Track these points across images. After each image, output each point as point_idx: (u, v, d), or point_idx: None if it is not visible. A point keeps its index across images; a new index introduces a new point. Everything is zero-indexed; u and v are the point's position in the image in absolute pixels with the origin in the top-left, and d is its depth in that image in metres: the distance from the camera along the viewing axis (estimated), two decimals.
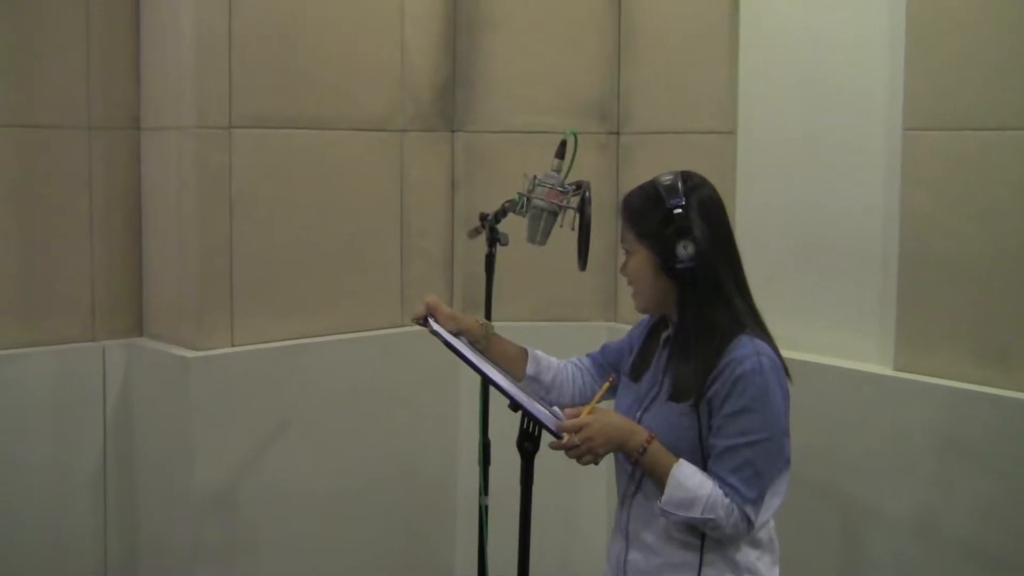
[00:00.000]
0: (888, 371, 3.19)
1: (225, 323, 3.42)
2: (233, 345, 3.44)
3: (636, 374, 2.33)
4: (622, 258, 2.31)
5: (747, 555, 2.18)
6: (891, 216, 3.21)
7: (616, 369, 2.49)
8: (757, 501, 2.11)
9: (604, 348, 2.58)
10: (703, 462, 2.14)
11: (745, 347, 2.13)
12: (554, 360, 2.60)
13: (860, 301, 3.32)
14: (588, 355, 2.59)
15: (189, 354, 3.35)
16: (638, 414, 2.26)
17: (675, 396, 2.19)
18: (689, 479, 2.10)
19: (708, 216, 2.21)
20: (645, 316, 2.40)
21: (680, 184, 2.21)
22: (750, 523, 2.11)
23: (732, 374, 2.12)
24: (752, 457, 2.10)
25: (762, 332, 2.20)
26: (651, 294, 2.26)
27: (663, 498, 2.12)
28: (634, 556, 2.25)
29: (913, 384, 3.10)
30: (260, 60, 3.43)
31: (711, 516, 2.07)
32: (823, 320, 3.41)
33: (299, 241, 3.57)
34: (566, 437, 2.15)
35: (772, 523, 2.24)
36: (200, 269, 3.37)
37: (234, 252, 3.42)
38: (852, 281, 3.34)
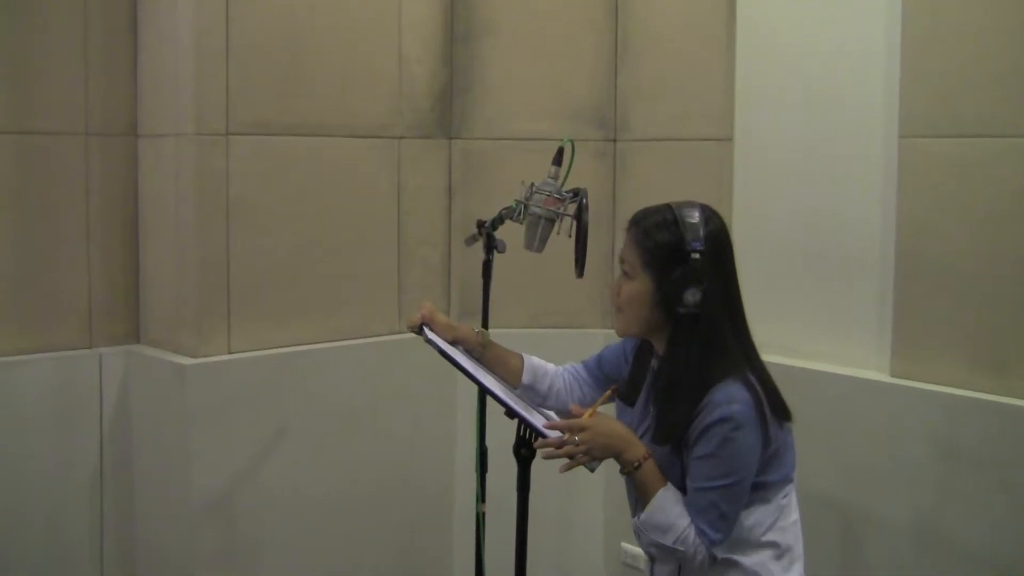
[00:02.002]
0: (885, 378, 3.19)
1: (222, 330, 3.42)
2: (230, 352, 3.43)
3: (628, 399, 2.33)
4: (617, 273, 2.28)
5: None
6: (887, 223, 3.21)
7: (613, 380, 2.49)
8: (721, 542, 2.15)
9: (600, 359, 2.57)
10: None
11: (721, 394, 2.12)
12: (550, 367, 2.60)
13: (856, 308, 3.32)
14: (584, 364, 2.59)
15: (186, 361, 3.35)
16: None
17: (658, 439, 2.20)
18: (672, 506, 2.13)
19: (721, 262, 2.19)
20: None
21: (702, 225, 2.16)
22: (715, 560, 2.15)
23: (702, 422, 2.12)
24: (717, 500, 2.12)
25: (752, 370, 2.18)
26: (640, 324, 2.24)
27: (643, 515, 2.14)
28: None
29: (910, 391, 3.10)
30: (258, 67, 3.43)
31: (681, 548, 2.13)
32: (819, 327, 3.41)
33: (296, 248, 3.57)
34: (567, 435, 2.16)
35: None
36: (198, 276, 3.37)
37: (231, 259, 3.42)
38: (848, 288, 3.34)
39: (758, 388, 2.16)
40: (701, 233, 2.15)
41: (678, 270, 2.14)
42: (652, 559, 2.33)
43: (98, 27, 3.44)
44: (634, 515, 2.27)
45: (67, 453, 3.43)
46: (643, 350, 2.38)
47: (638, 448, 2.17)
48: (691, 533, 2.11)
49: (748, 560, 2.19)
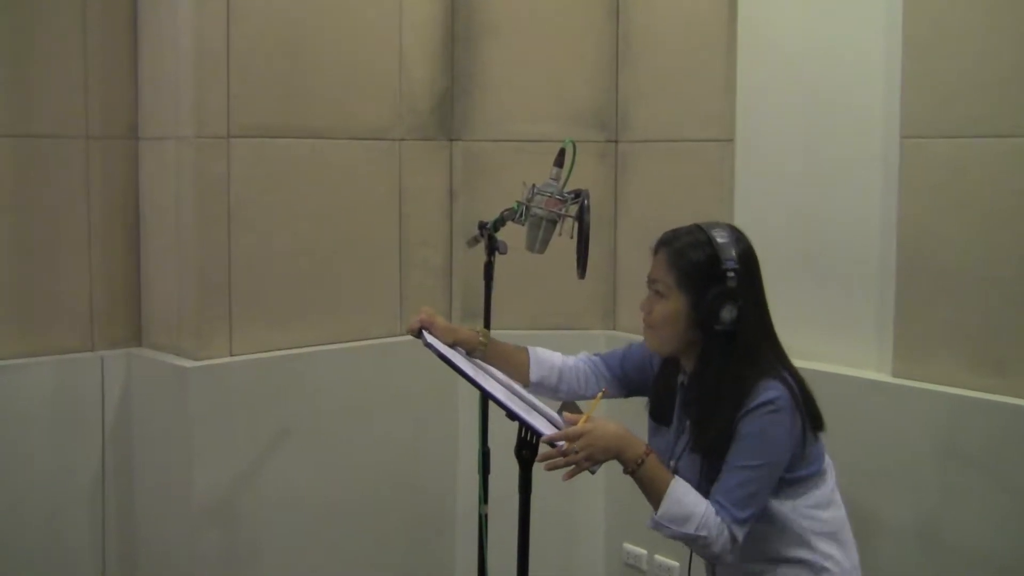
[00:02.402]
0: (886, 378, 3.19)
1: (224, 332, 3.42)
2: (232, 355, 3.43)
3: (659, 417, 2.33)
4: (647, 295, 2.30)
5: None
6: (889, 224, 3.21)
7: (635, 381, 2.49)
8: (746, 522, 2.14)
9: (624, 357, 2.55)
10: None
11: (760, 387, 2.16)
12: (558, 358, 2.58)
13: (858, 308, 3.32)
14: (603, 358, 2.57)
15: (188, 364, 3.35)
16: (672, 463, 2.28)
17: (699, 449, 2.21)
18: (686, 496, 2.14)
19: (753, 279, 2.24)
20: None
21: (734, 244, 2.22)
22: (735, 542, 2.13)
23: (745, 410, 2.16)
24: (747, 479, 2.14)
25: (789, 374, 2.23)
26: (675, 342, 2.28)
27: (659, 512, 2.14)
28: None
29: (911, 391, 3.10)
30: (259, 70, 3.43)
31: (704, 533, 2.11)
32: (821, 327, 3.41)
33: (297, 250, 3.57)
34: (565, 444, 2.16)
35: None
36: (199, 278, 3.37)
37: (232, 261, 3.42)
38: (850, 288, 3.34)
39: (794, 386, 2.21)
40: (734, 252, 2.21)
41: (714, 289, 2.18)
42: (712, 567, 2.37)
43: (98, 30, 3.44)
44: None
45: (69, 456, 3.43)
46: (667, 368, 2.39)
47: (637, 445, 2.17)
48: (711, 515, 2.11)
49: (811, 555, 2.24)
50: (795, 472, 2.22)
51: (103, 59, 3.46)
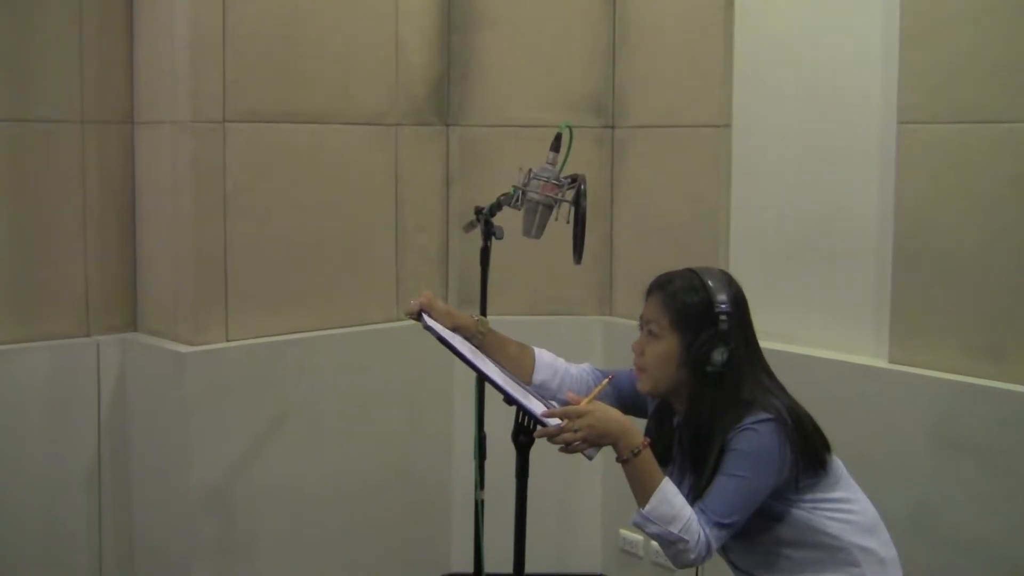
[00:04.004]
0: (883, 363, 3.20)
1: (220, 318, 3.41)
2: (228, 340, 3.43)
3: (660, 459, 2.35)
4: (640, 337, 2.33)
5: None
6: (886, 209, 3.21)
7: (634, 405, 2.50)
8: (723, 529, 2.16)
9: (625, 378, 2.54)
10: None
11: (748, 419, 2.20)
12: (561, 363, 2.59)
13: (855, 294, 3.32)
14: (606, 375, 2.57)
15: (184, 349, 3.35)
16: None
17: (701, 492, 2.23)
18: (675, 497, 2.15)
19: (743, 323, 2.29)
20: None
21: (726, 288, 2.27)
22: (710, 551, 2.15)
23: (731, 434, 2.20)
24: (729, 487, 2.17)
25: (781, 404, 2.24)
26: (666, 383, 2.32)
27: (647, 507, 2.15)
28: None
29: (908, 376, 3.11)
30: (255, 54, 3.42)
31: (685, 537, 2.12)
32: (818, 313, 3.41)
33: (293, 236, 3.56)
34: (566, 421, 2.17)
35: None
36: (195, 264, 3.36)
37: (229, 247, 3.41)
38: (847, 274, 3.34)
39: (788, 419, 2.22)
40: (726, 296, 2.26)
41: (707, 331, 2.24)
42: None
43: (94, 14, 3.43)
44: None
45: (65, 442, 3.43)
46: (662, 408, 2.41)
47: (636, 435, 2.17)
48: (693, 521, 2.13)
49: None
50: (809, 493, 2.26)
51: (99, 44, 3.45)
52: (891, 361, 3.18)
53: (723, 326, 2.23)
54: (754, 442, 2.17)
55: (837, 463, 2.35)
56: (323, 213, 3.63)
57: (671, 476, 2.31)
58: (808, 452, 2.25)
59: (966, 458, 2.98)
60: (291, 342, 3.55)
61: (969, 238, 3.00)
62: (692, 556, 2.14)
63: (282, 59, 3.49)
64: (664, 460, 2.35)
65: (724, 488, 2.17)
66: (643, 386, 2.35)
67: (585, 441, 2.16)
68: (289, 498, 3.56)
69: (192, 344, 3.36)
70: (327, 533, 3.67)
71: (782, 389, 2.31)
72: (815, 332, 3.38)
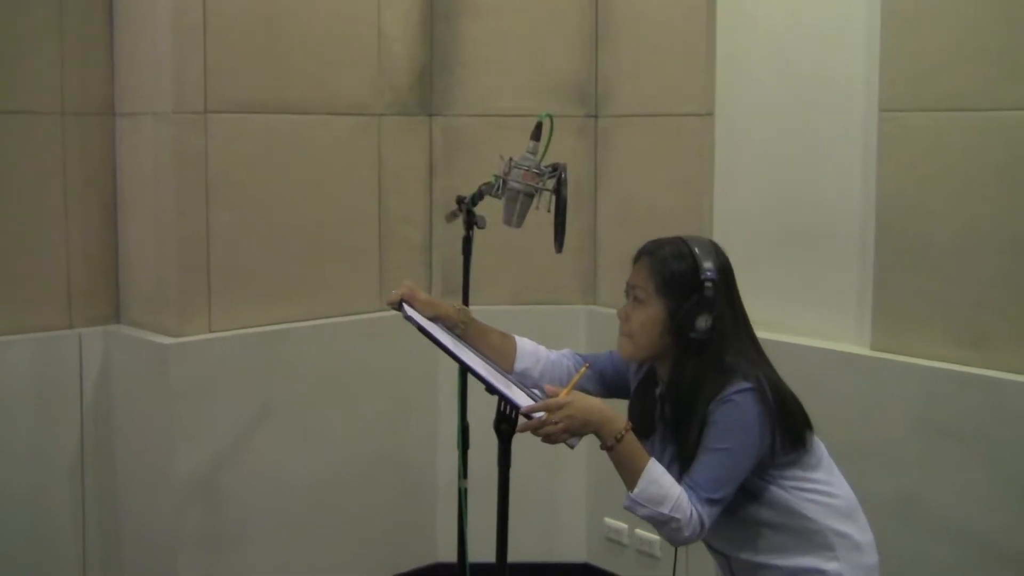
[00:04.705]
0: (866, 351, 3.21)
1: (203, 309, 3.40)
2: (211, 331, 3.42)
3: (642, 430, 2.35)
4: (625, 302, 2.33)
5: None
6: (868, 197, 3.21)
7: (620, 382, 2.50)
8: (714, 505, 2.17)
9: (607, 361, 2.54)
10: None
11: (729, 389, 2.20)
12: (542, 350, 2.59)
13: (837, 281, 3.33)
14: (586, 360, 2.57)
15: (167, 341, 3.34)
16: None
17: (684, 456, 2.24)
18: (662, 477, 2.16)
19: (729, 291, 2.30)
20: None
21: (713, 257, 2.28)
22: (703, 527, 2.15)
23: (713, 404, 2.21)
24: (714, 462, 2.18)
25: (764, 375, 2.24)
26: (650, 348, 2.32)
27: (635, 490, 2.15)
28: None
29: (890, 364, 3.12)
30: (236, 44, 3.41)
31: (677, 515, 2.13)
32: (801, 301, 3.41)
33: (277, 226, 3.55)
34: (546, 414, 2.17)
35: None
36: (178, 255, 3.35)
37: (211, 237, 3.40)
38: (829, 262, 3.35)
39: (765, 385, 2.22)
40: (713, 264, 2.26)
41: (692, 298, 2.24)
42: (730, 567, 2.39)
43: (75, 5, 3.41)
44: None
45: (48, 434, 3.42)
46: (645, 381, 2.41)
47: (618, 421, 2.17)
48: (683, 498, 2.13)
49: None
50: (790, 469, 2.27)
51: (79, 34, 3.43)
52: (874, 348, 3.19)
53: (708, 293, 2.23)
54: (736, 414, 2.18)
55: (819, 445, 2.35)
56: (306, 203, 3.62)
57: (654, 445, 2.31)
58: (788, 426, 2.25)
59: (949, 445, 2.99)
60: (275, 333, 3.54)
61: (951, 225, 3.01)
62: (687, 533, 2.14)
63: (264, 49, 3.47)
64: (648, 431, 2.36)
65: (709, 462, 2.17)
66: (624, 351, 2.35)
67: (567, 432, 2.16)
68: (274, 488, 3.55)
69: (175, 335, 3.35)
70: (313, 523, 3.67)
71: (768, 364, 2.31)
72: (798, 320, 3.39)
